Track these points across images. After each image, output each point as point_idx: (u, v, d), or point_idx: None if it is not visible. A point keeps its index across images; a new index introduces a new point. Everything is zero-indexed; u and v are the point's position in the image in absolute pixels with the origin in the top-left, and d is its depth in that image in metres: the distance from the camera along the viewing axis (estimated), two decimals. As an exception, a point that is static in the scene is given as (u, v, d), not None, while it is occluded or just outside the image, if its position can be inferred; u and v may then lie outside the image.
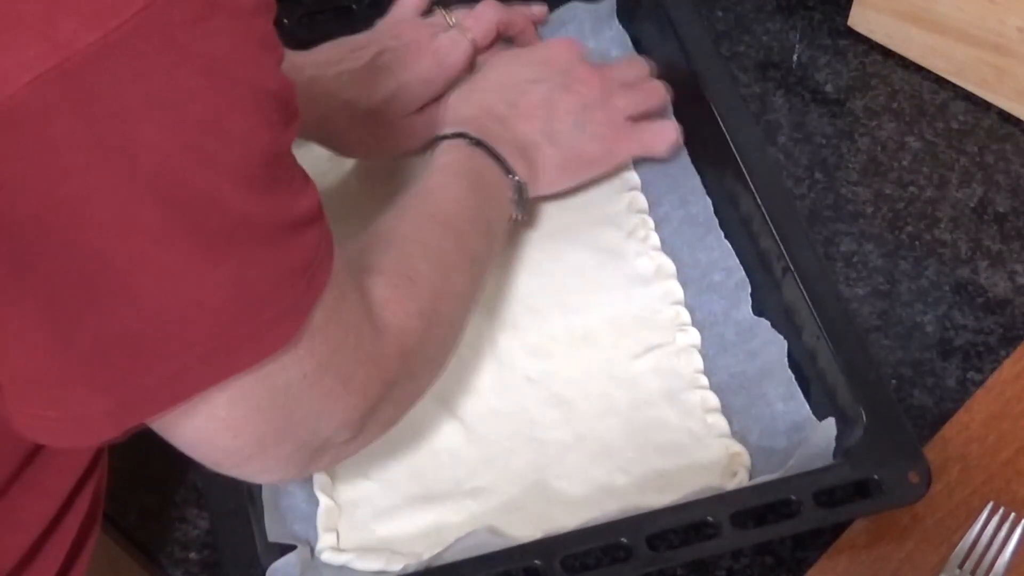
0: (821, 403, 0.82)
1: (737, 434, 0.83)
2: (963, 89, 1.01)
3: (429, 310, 0.74)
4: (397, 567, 0.77)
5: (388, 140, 0.91)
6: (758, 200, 0.88)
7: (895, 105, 1.01)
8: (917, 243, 0.93)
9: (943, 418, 0.85)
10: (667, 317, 0.88)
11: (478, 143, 0.85)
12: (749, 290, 0.88)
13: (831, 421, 0.80)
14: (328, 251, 0.64)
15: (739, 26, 1.05)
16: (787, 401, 0.83)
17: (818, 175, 0.97)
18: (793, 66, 1.03)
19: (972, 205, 0.95)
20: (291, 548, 0.76)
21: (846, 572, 0.79)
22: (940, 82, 1.01)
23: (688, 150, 0.95)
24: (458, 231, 0.80)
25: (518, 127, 0.88)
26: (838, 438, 0.80)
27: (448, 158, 0.84)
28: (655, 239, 0.92)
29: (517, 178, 0.86)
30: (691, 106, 0.95)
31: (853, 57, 1.03)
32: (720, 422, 0.84)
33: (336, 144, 0.92)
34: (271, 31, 0.59)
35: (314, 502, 0.80)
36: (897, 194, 0.96)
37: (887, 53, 1.03)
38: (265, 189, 0.58)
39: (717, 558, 0.80)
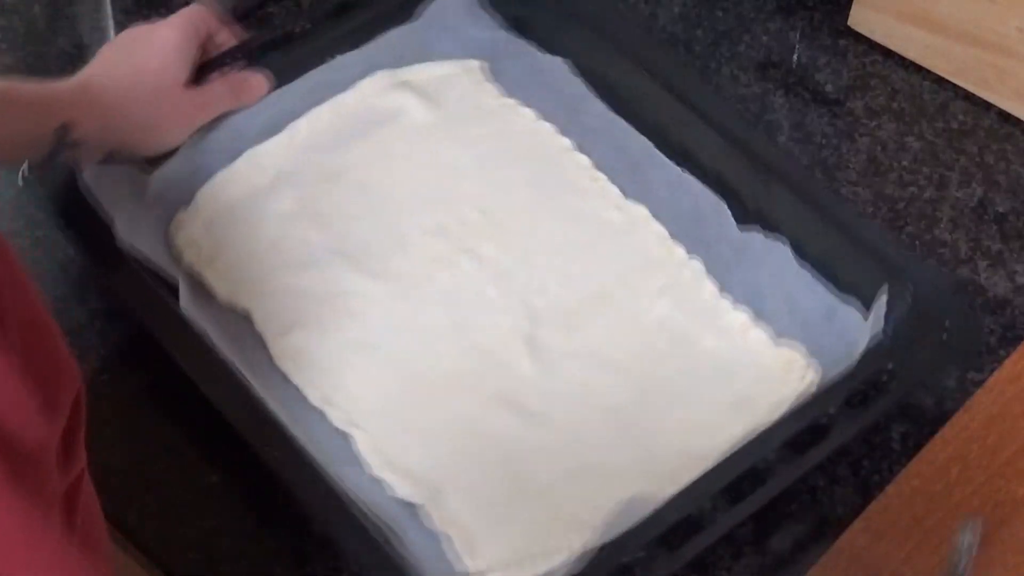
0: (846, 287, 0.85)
1: (781, 339, 0.84)
2: (963, 89, 1.01)
3: None
4: (556, 563, 0.74)
5: (173, 120, 0.91)
6: (711, 122, 0.90)
7: (895, 105, 1.01)
8: (917, 243, 0.93)
9: (943, 418, 0.85)
10: (662, 256, 0.88)
11: None
12: (726, 207, 0.88)
13: (883, 298, 0.81)
14: None
15: (739, 26, 1.05)
16: (811, 294, 0.84)
17: (818, 175, 0.97)
18: (793, 66, 1.03)
19: (972, 205, 0.95)
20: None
21: (846, 572, 0.78)
22: (940, 82, 1.01)
23: (613, 106, 0.94)
24: None
25: None
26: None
27: None
28: (614, 190, 0.91)
29: None
30: (610, 69, 0.95)
31: (853, 57, 1.03)
32: (760, 335, 0.84)
33: (141, 143, 0.91)
34: None
35: (435, 538, 0.77)
36: (897, 194, 0.96)
37: (887, 53, 1.03)
38: None
39: (717, 558, 0.79)
